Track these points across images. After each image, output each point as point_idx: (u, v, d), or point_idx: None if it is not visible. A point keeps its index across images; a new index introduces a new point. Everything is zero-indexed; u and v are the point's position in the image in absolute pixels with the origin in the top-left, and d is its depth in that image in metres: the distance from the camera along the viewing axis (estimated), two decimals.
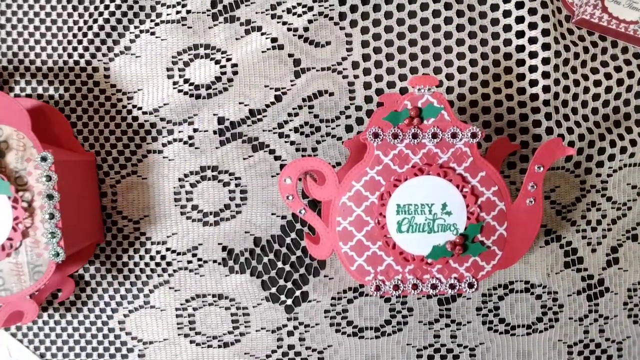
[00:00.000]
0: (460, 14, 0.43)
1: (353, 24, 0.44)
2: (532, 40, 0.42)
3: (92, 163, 0.44)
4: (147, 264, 0.45)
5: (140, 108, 0.44)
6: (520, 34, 0.42)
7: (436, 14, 0.43)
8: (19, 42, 0.44)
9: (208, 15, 0.44)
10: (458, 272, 0.37)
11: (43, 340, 0.47)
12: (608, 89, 0.43)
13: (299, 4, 0.43)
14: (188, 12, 0.43)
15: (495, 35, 0.43)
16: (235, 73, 0.44)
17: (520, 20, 0.42)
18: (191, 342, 0.46)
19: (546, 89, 0.42)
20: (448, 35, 0.43)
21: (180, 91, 0.44)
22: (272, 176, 0.44)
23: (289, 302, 0.45)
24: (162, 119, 0.44)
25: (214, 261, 0.45)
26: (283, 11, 0.43)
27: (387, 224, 0.36)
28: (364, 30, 0.44)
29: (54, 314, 0.46)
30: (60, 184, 0.37)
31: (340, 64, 0.44)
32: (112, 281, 0.46)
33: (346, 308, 0.46)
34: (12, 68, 0.44)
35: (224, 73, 0.43)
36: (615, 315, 0.46)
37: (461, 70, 0.43)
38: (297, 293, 0.45)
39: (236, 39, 0.44)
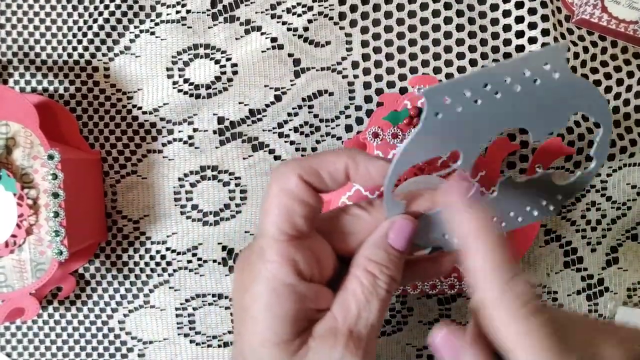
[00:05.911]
0: (460, 13, 0.43)
1: (353, 23, 0.44)
2: (532, 40, 0.42)
3: (98, 161, 0.44)
4: (147, 264, 0.45)
5: (140, 108, 0.44)
6: (520, 34, 0.42)
7: (436, 13, 0.43)
8: (19, 41, 0.44)
9: (208, 15, 0.44)
10: (457, 272, 0.37)
11: (43, 339, 0.47)
12: (608, 89, 0.43)
13: (298, 4, 0.43)
14: (188, 11, 0.43)
15: (495, 35, 0.43)
16: (235, 73, 0.44)
17: (520, 20, 0.42)
18: (191, 341, 0.46)
19: None
20: (448, 35, 0.43)
21: (180, 91, 0.44)
22: None
23: None
24: (162, 119, 0.44)
25: (214, 261, 0.45)
26: (283, 11, 0.43)
27: None
28: (364, 30, 0.44)
29: (54, 313, 0.46)
30: (66, 182, 0.37)
31: (340, 63, 0.44)
32: (112, 281, 0.46)
33: None
34: (11, 68, 0.44)
35: (223, 73, 0.43)
36: (615, 314, 0.46)
37: (461, 70, 0.43)
38: None
39: (236, 38, 0.44)
